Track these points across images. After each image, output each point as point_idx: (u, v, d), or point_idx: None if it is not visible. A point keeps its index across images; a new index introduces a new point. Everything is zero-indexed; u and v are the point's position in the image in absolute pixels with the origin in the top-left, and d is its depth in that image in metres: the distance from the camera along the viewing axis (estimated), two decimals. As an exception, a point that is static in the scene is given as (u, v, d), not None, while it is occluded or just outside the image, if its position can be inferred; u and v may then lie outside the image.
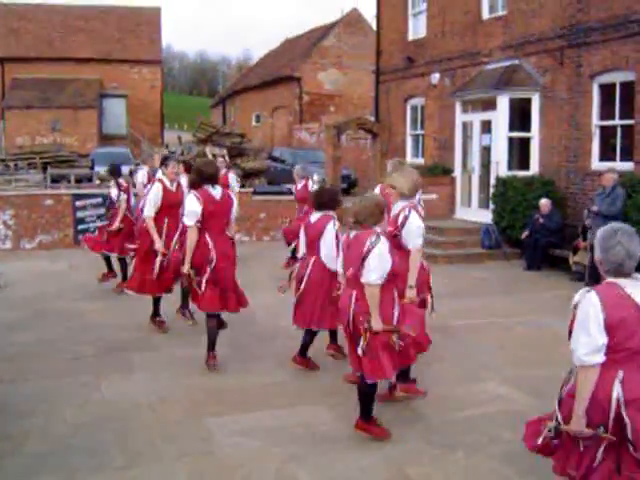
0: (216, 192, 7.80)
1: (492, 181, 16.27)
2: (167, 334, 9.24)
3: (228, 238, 8.02)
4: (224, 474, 5.41)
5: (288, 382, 7.48)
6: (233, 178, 14.30)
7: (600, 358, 3.85)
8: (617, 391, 3.86)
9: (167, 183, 9.40)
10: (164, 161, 9.79)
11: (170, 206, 9.26)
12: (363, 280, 5.68)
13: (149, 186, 9.90)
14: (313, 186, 13.07)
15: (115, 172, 12.25)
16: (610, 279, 3.97)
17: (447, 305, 10.66)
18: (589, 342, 3.85)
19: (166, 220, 9.27)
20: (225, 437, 6.03)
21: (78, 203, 17.04)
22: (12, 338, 9.10)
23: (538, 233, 14.16)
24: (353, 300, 5.79)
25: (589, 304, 3.87)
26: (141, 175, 12.58)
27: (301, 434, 6.08)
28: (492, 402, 6.91)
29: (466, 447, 5.81)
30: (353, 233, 5.93)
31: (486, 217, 16.17)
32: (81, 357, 8.34)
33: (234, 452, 5.75)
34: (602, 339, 3.82)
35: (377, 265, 5.61)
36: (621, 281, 3.91)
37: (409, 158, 21.06)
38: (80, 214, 16.96)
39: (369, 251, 5.62)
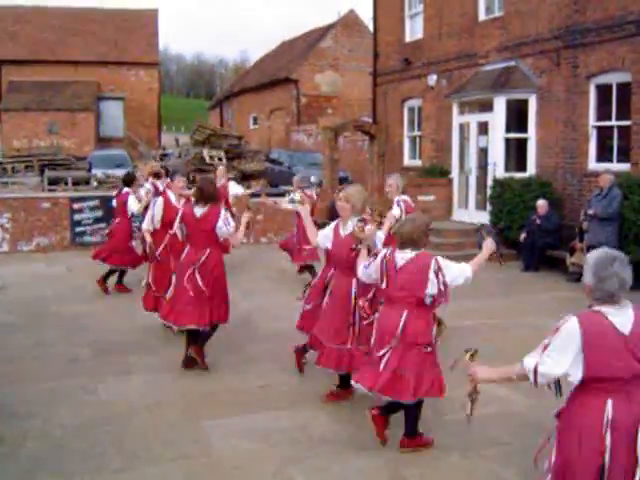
0: (198, 210, 7.83)
1: (489, 182, 16.29)
2: (164, 336, 9.21)
3: (209, 252, 7.82)
4: (220, 476, 5.40)
5: (285, 384, 7.46)
6: (234, 186, 14.05)
7: (544, 380, 3.97)
8: (606, 424, 3.77)
9: (172, 198, 9.33)
10: (171, 175, 9.68)
11: (172, 222, 8.81)
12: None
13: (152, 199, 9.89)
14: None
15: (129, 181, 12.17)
16: (597, 307, 3.86)
17: (444, 307, 10.66)
18: (550, 363, 3.86)
19: (167, 236, 9.15)
20: (221, 439, 6.02)
21: (75, 206, 17.02)
22: (9, 341, 9.09)
23: (535, 234, 14.17)
24: (404, 320, 5.64)
25: (568, 330, 3.80)
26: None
27: (298, 436, 6.07)
28: (489, 403, 6.89)
29: (463, 449, 5.81)
30: (407, 254, 5.79)
31: (483, 218, 16.18)
32: (78, 359, 8.32)
33: (231, 454, 5.74)
34: (562, 369, 3.82)
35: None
36: (607, 309, 3.81)
37: (406, 160, 21.10)
38: (77, 217, 16.94)
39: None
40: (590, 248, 12.60)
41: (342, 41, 39.87)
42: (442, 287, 5.66)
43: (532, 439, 5.98)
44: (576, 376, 3.80)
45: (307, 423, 6.34)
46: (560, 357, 3.81)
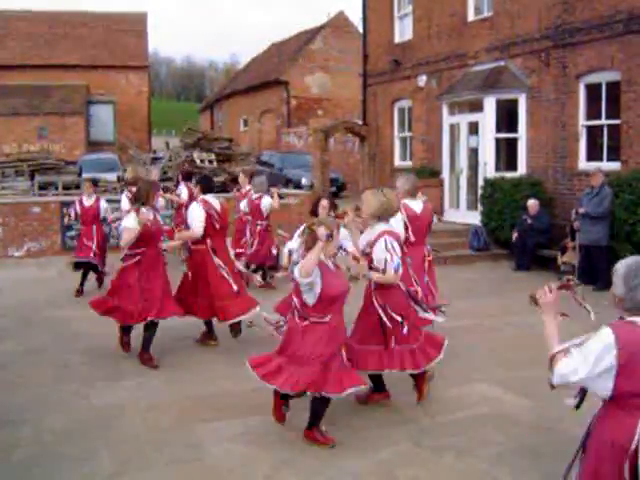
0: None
1: (480, 182, 16.31)
2: (155, 341, 9.15)
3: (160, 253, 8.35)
4: (214, 480, 5.38)
5: (278, 387, 7.44)
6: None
7: (558, 380, 3.67)
8: (637, 443, 3.54)
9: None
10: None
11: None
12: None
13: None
14: (266, 206, 12.45)
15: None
16: (629, 317, 3.65)
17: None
18: (574, 369, 3.60)
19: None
20: (214, 443, 5.99)
21: (66, 210, 16.92)
22: (0, 346, 9.04)
23: (526, 234, 14.19)
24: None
25: (601, 341, 3.58)
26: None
27: (291, 439, 6.05)
28: (482, 404, 6.90)
29: (457, 449, 5.80)
30: None
31: (475, 219, 16.20)
32: (70, 365, 8.29)
33: (224, 458, 5.71)
34: (577, 377, 3.59)
35: None
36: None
37: (397, 161, 21.11)
38: (68, 221, 16.84)
39: None
40: (582, 247, 12.65)
41: (332, 43, 39.86)
42: None
43: (525, 439, 6.00)
44: (606, 390, 3.59)
45: (300, 426, 6.31)
46: (583, 365, 3.58)
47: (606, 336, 3.57)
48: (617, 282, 3.69)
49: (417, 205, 8.41)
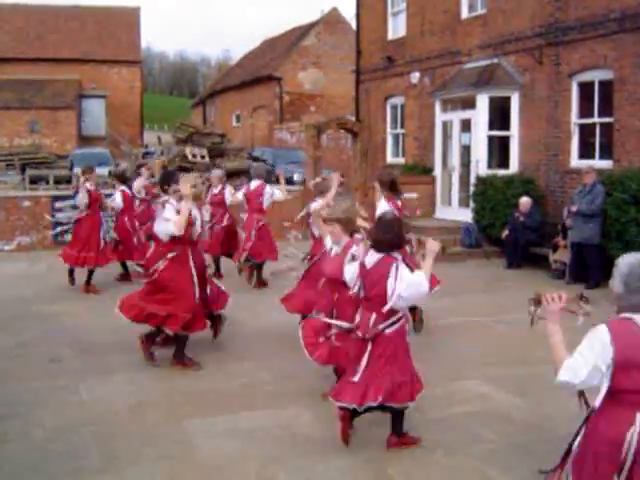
0: None
1: (472, 180, 16.31)
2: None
3: None
4: (203, 476, 5.35)
5: (268, 383, 7.43)
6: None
7: (568, 378, 3.61)
8: (632, 437, 3.54)
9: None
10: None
11: None
12: None
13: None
14: (229, 197, 12.56)
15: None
16: (626, 314, 3.64)
17: (428, 304, 10.64)
18: (575, 366, 3.59)
19: None
20: (204, 439, 5.97)
21: (57, 204, 16.88)
22: (-11, 341, 9.00)
23: (518, 231, 14.19)
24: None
25: (597, 338, 3.58)
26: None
27: (281, 435, 6.04)
28: (474, 401, 6.90)
29: (448, 446, 5.79)
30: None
31: (466, 216, 16.20)
32: (59, 359, 8.25)
33: (213, 454, 5.69)
34: (582, 376, 3.57)
35: None
36: (638, 317, 3.60)
37: (390, 157, 21.11)
38: (59, 215, 16.79)
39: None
40: (573, 245, 12.66)
41: (325, 39, 39.87)
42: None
43: (516, 437, 6.00)
44: (604, 386, 3.58)
45: (290, 422, 6.31)
46: (583, 367, 3.56)
47: (603, 334, 3.57)
48: (617, 280, 3.67)
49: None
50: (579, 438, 3.82)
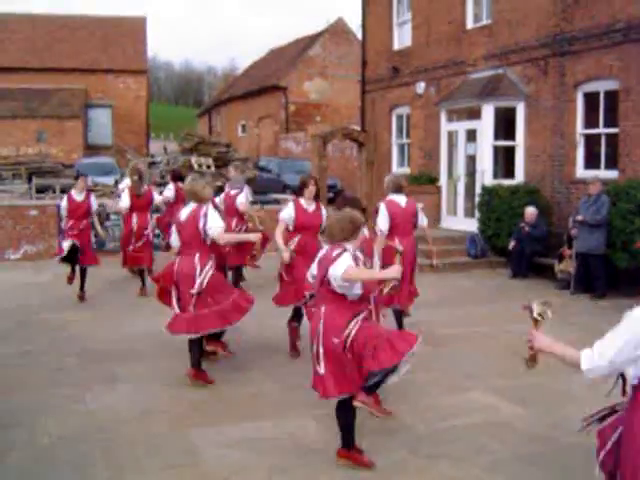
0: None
1: (477, 190, 16.32)
2: (151, 345, 9.15)
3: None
4: (209, 486, 5.36)
5: (274, 393, 7.43)
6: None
7: (594, 375, 3.49)
8: None
9: (304, 204, 8.79)
10: (302, 181, 9.01)
11: (304, 227, 8.69)
12: None
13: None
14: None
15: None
16: None
17: (433, 314, 10.68)
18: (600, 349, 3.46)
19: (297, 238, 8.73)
20: (210, 449, 5.97)
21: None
22: (-5, 350, 9.03)
23: (523, 241, 14.19)
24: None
25: (629, 327, 3.43)
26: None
27: (287, 445, 6.04)
28: (478, 412, 6.89)
29: (452, 457, 5.79)
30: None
31: (472, 226, 16.21)
32: (65, 368, 8.26)
33: (219, 464, 5.69)
34: (606, 360, 3.42)
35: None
36: None
37: (395, 167, 21.12)
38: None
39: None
40: (578, 255, 12.65)
41: (331, 49, 39.98)
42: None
43: (521, 447, 6.00)
44: (635, 377, 3.45)
45: (296, 432, 6.31)
46: (610, 349, 3.41)
47: (637, 315, 3.42)
48: None
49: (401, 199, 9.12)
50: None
